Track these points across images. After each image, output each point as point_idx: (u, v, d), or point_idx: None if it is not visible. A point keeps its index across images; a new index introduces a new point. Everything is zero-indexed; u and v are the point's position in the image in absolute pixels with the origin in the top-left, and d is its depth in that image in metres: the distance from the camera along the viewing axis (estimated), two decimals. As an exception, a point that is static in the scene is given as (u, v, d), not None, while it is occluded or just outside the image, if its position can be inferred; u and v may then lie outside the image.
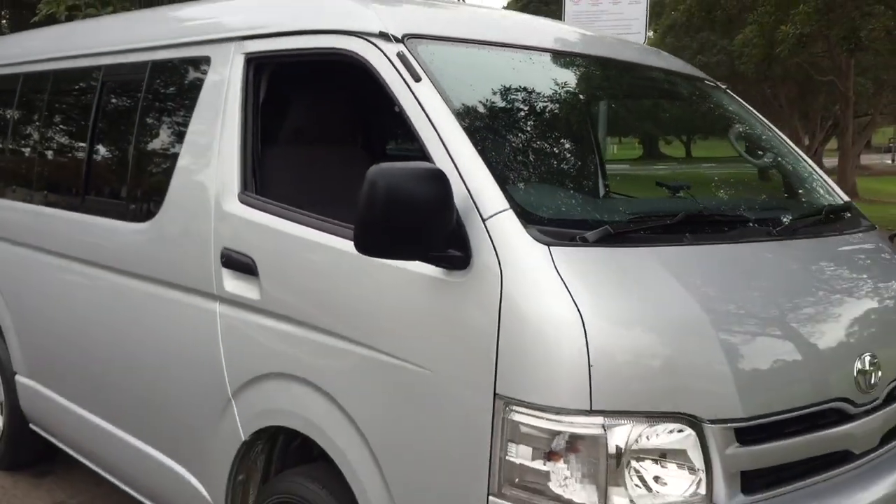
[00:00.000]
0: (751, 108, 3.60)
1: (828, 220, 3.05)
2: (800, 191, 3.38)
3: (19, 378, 4.38)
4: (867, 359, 2.47)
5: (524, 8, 34.69)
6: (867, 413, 2.48)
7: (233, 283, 2.90)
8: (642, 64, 3.42)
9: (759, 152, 3.53)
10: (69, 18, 8.53)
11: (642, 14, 6.76)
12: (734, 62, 30.14)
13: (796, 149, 3.50)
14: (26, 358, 4.31)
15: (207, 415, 3.04)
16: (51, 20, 9.16)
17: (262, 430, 2.86)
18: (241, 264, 2.85)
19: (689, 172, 4.26)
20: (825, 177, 3.41)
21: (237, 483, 3.01)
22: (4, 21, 10.14)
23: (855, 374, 2.42)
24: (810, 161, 3.48)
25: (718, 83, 3.66)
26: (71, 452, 4.13)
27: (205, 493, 3.11)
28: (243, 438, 2.89)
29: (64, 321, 3.94)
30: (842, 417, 2.41)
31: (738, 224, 2.66)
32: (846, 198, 3.33)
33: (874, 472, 2.48)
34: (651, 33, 41.72)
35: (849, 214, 3.20)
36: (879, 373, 2.50)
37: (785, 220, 2.79)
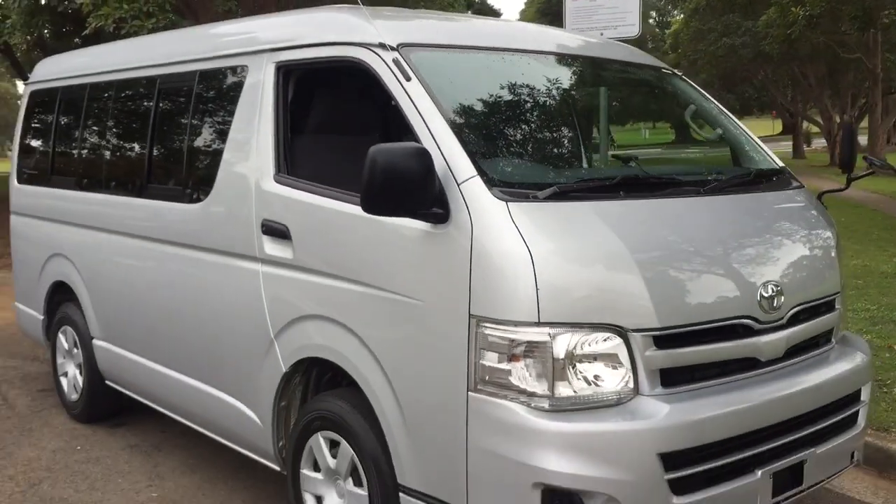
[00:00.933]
0: (703, 91, 4.24)
1: (758, 181, 3.70)
2: (742, 159, 4.02)
3: (96, 342, 5.17)
4: (771, 287, 3.12)
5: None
6: (771, 330, 3.13)
7: (271, 246, 3.63)
8: (606, 57, 4.09)
9: (710, 128, 4.16)
10: (116, 30, 9.38)
11: (636, 7, 7.34)
12: (759, 43, 30.41)
13: (741, 124, 4.13)
14: (101, 324, 5.10)
15: (255, 354, 3.77)
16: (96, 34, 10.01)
17: (299, 363, 3.59)
18: (277, 231, 3.59)
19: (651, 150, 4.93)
20: (765, 147, 4.05)
21: (280, 408, 3.74)
22: (46, 31, 10.94)
23: (759, 298, 3.08)
24: (752, 134, 4.11)
25: (674, 70, 4.31)
26: (141, 400, 4.92)
27: (255, 418, 3.85)
28: (284, 370, 3.62)
29: (132, 289, 4.71)
30: (749, 332, 3.07)
31: (670, 185, 3.33)
32: (781, 164, 3.96)
33: (776, 377, 3.14)
34: (679, 15, 41.87)
35: (780, 177, 3.84)
36: (782, 298, 3.16)
37: (713, 180, 3.45)
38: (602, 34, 7.32)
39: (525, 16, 57.90)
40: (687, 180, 3.42)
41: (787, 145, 47.62)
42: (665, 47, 43.66)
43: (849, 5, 15.16)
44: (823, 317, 3.43)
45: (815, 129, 45.89)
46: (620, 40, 7.49)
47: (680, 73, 4.33)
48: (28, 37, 10.47)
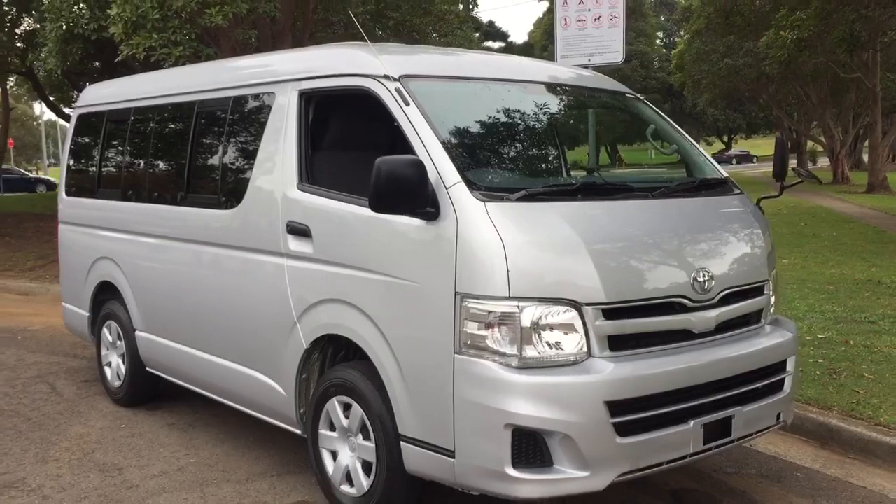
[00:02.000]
0: (661, 112, 4.97)
1: (702, 188, 4.43)
2: (693, 170, 4.74)
3: (138, 333, 5.91)
4: (703, 272, 3.84)
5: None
6: (703, 308, 3.84)
7: (294, 244, 4.36)
8: (578, 85, 4.83)
9: (667, 144, 4.88)
10: (146, 58, 10.19)
11: (620, 36, 8.11)
12: (760, 64, 31.15)
13: (693, 141, 4.86)
14: (143, 317, 5.83)
15: (280, 335, 4.50)
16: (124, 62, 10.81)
17: (317, 340, 4.30)
18: (300, 231, 4.32)
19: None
20: (712, 160, 4.76)
21: (302, 380, 4.46)
22: (76, 58, 11.70)
23: (692, 281, 3.79)
24: (702, 149, 4.83)
25: (637, 95, 5.04)
26: (179, 382, 5.65)
27: (281, 389, 4.57)
28: (305, 347, 4.34)
29: (172, 285, 5.45)
30: (683, 309, 3.78)
31: (623, 190, 4.05)
32: (725, 174, 4.67)
33: (707, 346, 3.84)
34: (685, 36, 42.68)
35: (723, 185, 4.55)
36: (713, 283, 3.87)
37: (662, 187, 4.18)
38: (589, 60, 8.11)
39: (533, 37, 58.96)
40: (638, 186, 4.15)
41: (792, 164, 48.26)
42: (671, 67, 44.42)
43: (836, 28, 15.85)
44: (751, 300, 4.13)
45: (819, 147, 46.46)
46: (606, 66, 8.29)
47: (643, 98, 5.06)
48: (63, 63, 11.26)
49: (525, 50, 52.65)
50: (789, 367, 4.26)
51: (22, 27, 16.01)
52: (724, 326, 3.97)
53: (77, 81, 19.83)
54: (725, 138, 77.55)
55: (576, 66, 7.89)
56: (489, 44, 51.14)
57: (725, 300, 3.96)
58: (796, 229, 17.66)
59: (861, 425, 5.18)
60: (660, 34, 66.85)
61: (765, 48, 24.88)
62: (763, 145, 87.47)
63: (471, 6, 18.32)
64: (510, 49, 50.83)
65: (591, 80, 4.99)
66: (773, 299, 4.38)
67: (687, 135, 4.93)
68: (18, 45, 17.63)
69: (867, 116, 36.78)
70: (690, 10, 31.43)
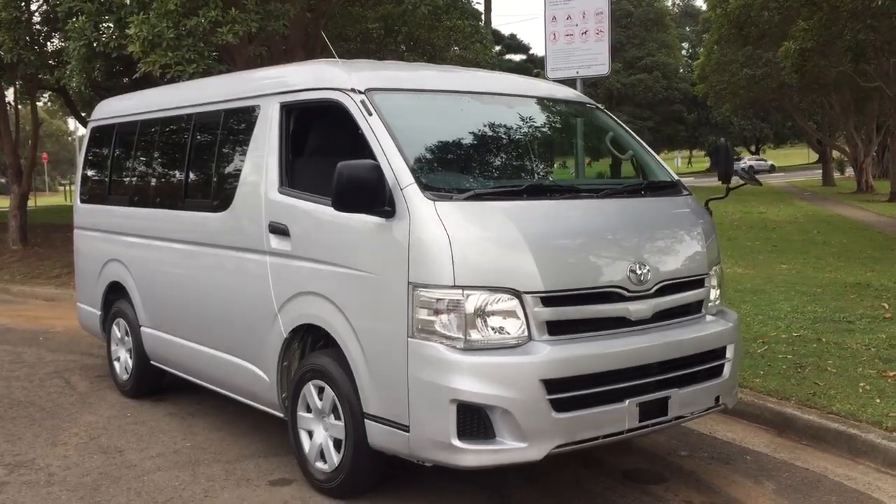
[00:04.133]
0: (618, 121, 5.35)
1: (649, 190, 4.79)
2: (647, 173, 5.11)
3: (143, 329, 6.38)
4: (639, 265, 4.20)
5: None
6: (639, 298, 4.20)
7: (276, 242, 4.79)
8: (537, 95, 5.23)
9: (624, 150, 5.26)
10: (162, 74, 10.74)
11: (605, 49, 8.45)
12: (780, 73, 31.26)
13: (648, 147, 5.22)
14: (147, 313, 6.30)
15: (263, 326, 4.92)
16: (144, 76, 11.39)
17: (296, 330, 4.72)
18: (280, 230, 4.75)
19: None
20: (665, 164, 5.13)
21: (283, 367, 4.87)
22: (97, 73, 12.25)
23: (628, 273, 4.15)
24: (656, 155, 5.20)
25: (597, 104, 5.42)
26: (179, 374, 6.10)
27: (264, 376, 4.98)
28: (285, 336, 4.76)
29: (172, 283, 5.92)
30: (620, 298, 4.14)
31: (569, 191, 4.44)
32: (675, 177, 5.03)
33: (643, 333, 4.20)
34: (701, 48, 42.88)
35: (671, 187, 4.91)
36: (649, 275, 4.23)
37: (608, 188, 4.56)
38: (577, 72, 8.50)
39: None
40: (585, 188, 4.53)
41: (820, 173, 48.09)
42: (693, 77, 44.55)
43: (841, 38, 16.04)
44: (689, 292, 4.48)
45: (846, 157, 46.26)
46: (593, 77, 8.67)
47: (602, 107, 5.44)
48: (86, 80, 11.83)
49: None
50: (728, 354, 4.59)
51: (51, 46, 16.70)
52: (662, 315, 4.32)
53: (105, 97, 20.49)
54: (753, 148, 77.31)
55: (562, 78, 8.30)
56: (510, 56, 51.62)
57: (662, 291, 4.32)
58: (808, 237, 17.84)
59: (814, 413, 5.48)
60: (685, 45, 66.91)
61: (782, 58, 25.06)
62: (791, 156, 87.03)
63: (477, 21, 18.75)
64: (531, 61, 51.20)
65: (553, 91, 5.39)
66: (716, 292, 4.73)
67: (643, 142, 5.29)
68: (50, 62, 18.38)
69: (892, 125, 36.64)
70: (709, 21, 31.61)
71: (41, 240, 18.24)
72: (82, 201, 7.42)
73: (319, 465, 4.58)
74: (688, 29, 66.95)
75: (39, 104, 26.14)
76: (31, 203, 20.97)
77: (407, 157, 4.12)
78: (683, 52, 66.26)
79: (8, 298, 12.75)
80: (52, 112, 60.88)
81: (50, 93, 27.08)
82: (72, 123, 67.28)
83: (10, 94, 20.93)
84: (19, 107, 23.81)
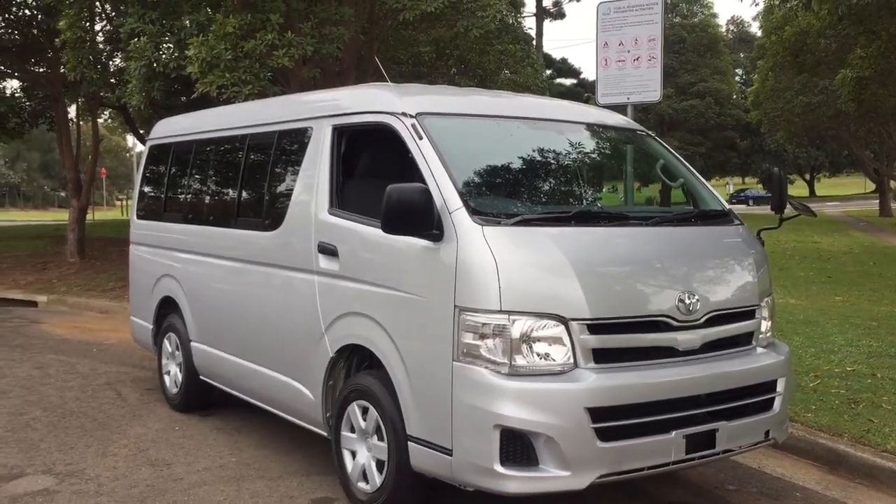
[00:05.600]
0: (669, 148, 5.31)
1: (701, 219, 4.75)
2: (698, 202, 5.06)
3: (193, 344, 6.49)
4: (688, 295, 4.15)
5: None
6: (688, 328, 4.15)
7: (324, 262, 4.85)
8: (587, 122, 5.22)
9: (674, 177, 5.22)
10: (219, 94, 10.98)
11: (657, 76, 8.43)
12: (836, 101, 30.70)
13: (699, 175, 5.18)
14: (198, 328, 6.41)
15: (310, 344, 4.97)
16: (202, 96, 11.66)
17: (342, 350, 4.76)
18: (329, 250, 4.81)
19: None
20: (716, 192, 5.08)
21: (328, 387, 4.91)
22: (156, 92, 12.56)
23: (677, 302, 4.11)
24: (707, 183, 5.15)
25: (647, 131, 5.39)
26: (226, 389, 6.18)
27: (310, 394, 5.03)
28: (330, 355, 4.80)
29: (222, 299, 6.02)
30: (668, 327, 4.10)
31: (618, 218, 4.42)
32: (727, 206, 4.97)
33: (691, 363, 4.14)
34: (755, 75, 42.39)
35: (723, 216, 4.86)
36: (698, 305, 4.18)
37: (658, 216, 4.52)
38: (628, 98, 8.47)
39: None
40: (634, 215, 4.50)
41: (877, 203, 47.05)
42: (747, 104, 44.01)
43: (901, 67, 15.77)
44: (739, 323, 4.41)
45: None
46: (644, 104, 8.64)
47: (653, 134, 5.41)
48: (146, 99, 12.15)
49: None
50: (779, 387, 4.50)
51: (113, 65, 17.20)
52: (711, 346, 4.26)
53: (163, 115, 20.99)
54: (807, 176, 75.92)
55: (613, 104, 8.28)
56: (561, 81, 51.59)
57: (711, 321, 4.26)
58: (863, 268, 17.43)
59: (868, 451, 5.33)
60: (738, 71, 66.19)
61: (840, 85, 24.64)
62: (847, 185, 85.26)
63: (528, 45, 18.82)
64: (582, 86, 51.13)
65: (602, 117, 5.38)
66: (767, 324, 4.65)
67: (694, 170, 5.25)
68: (112, 80, 18.92)
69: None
70: (764, 48, 31.25)
71: (98, 253, 18.70)
72: (138, 217, 7.61)
73: (362, 485, 4.60)
74: (742, 55, 66.21)
75: (100, 121, 26.86)
76: (89, 217, 21.51)
77: (456, 181, 4.15)
78: (737, 78, 65.54)
79: (64, 310, 13.07)
80: (112, 129, 62.54)
81: (110, 110, 27.87)
82: (130, 140, 68.99)
83: (72, 111, 21.59)
84: (81, 123, 24.52)
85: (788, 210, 4.95)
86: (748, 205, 56.24)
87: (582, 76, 54.74)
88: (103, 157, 59.27)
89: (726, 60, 52.23)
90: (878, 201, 45.79)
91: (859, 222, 37.36)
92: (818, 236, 25.83)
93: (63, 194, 65.01)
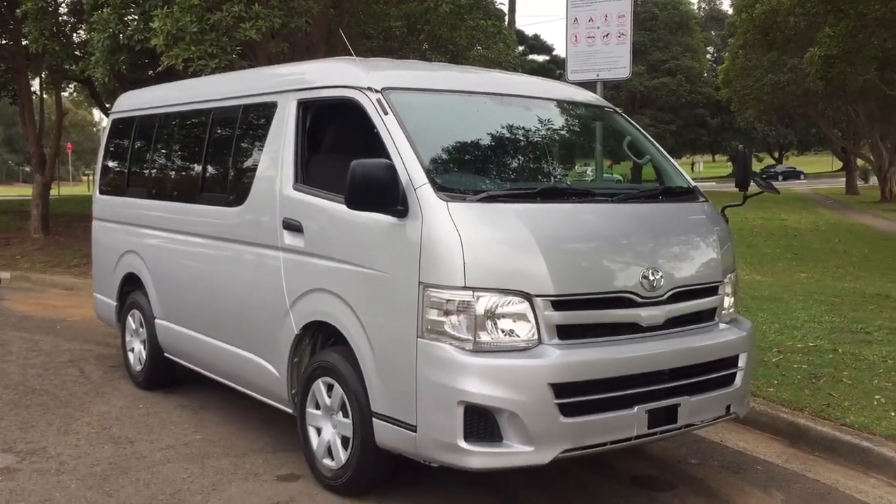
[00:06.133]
0: (636, 125, 5.31)
1: (666, 195, 4.76)
2: (664, 178, 5.07)
3: (157, 321, 6.42)
4: (651, 271, 4.17)
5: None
6: (651, 304, 4.17)
7: (289, 238, 4.80)
8: (554, 97, 5.20)
9: (641, 154, 5.22)
10: (185, 68, 10.80)
11: (627, 52, 8.41)
12: (805, 80, 30.95)
13: (665, 152, 5.18)
14: (161, 305, 6.34)
15: (275, 321, 4.93)
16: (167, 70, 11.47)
17: (307, 327, 4.73)
18: (293, 226, 4.76)
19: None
20: (681, 169, 5.09)
21: (294, 363, 4.88)
22: (121, 65, 12.35)
23: (641, 278, 4.13)
24: (672, 159, 5.16)
25: (615, 108, 5.39)
26: (191, 366, 6.13)
27: (275, 371, 5.00)
28: (296, 332, 4.77)
29: (186, 275, 5.95)
30: (631, 303, 4.12)
31: (584, 194, 4.41)
32: (692, 183, 4.99)
33: (655, 339, 4.17)
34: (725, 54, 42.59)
35: (688, 193, 4.87)
36: (662, 281, 4.19)
37: (623, 192, 4.52)
38: (598, 75, 8.46)
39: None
40: (600, 192, 4.50)
41: (844, 181, 47.69)
42: (717, 82, 44.25)
43: (867, 46, 15.87)
44: (702, 299, 4.44)
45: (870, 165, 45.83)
46: (614, 81, 8.64)
47: (621, 111, 5.41)
48: (110, 72, 11.92)
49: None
50: (741, 363, 4.54)
51: (77, 37, 16.84)
52: (674, 322, 4.29)
53: (129, 89, 20.62)
54: (776, 154, 76.66)
55: (583, 80, 8.26)
56: (533, 57, 51.46)
57: (675, 298, 4.28)
58: (829, 245, 17.70)
59: (828, 425, 5.42)
60: (710, 49, 66.40)
61: (808, 64, 24.83)
62: (814, 163, 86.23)
63: (500, 21, 18.71)
64: (555, 62, 51.05)
65: (571, 94, 5.36)
66: (730, 300, 4.69)
67: (660, 147, 5.25)
68: (75, 53, 18.55)
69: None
70: (735, 25, 31.37)
71: (62, 229, 18.42)
72: (101, 192, 7.48)
73: (327, 461, 4.59)
74: (713, 33, 66.42)
75: (65, 94, 26.38)
76: (54, 192, 21.17)
77: (421, 156, 4.11)
78: (708, 56, 65.77)
79: (27, 286, 12.88)
80: (78, 102, 61.48)
81: (76, 83, 27.35)
82: (97, 114, 68.02)
83: (35, 84, 21.15)
84: (45, 96, 24.05)
85: (752, 187, 4.98)
86: (778, 180, 57.23)
87: (554, 52, 54.72)
88: (69, 131, 58.28)
89: (698, 38, 52.35)
90: (844, 179, 46.42)
91: (826, 200, 37.89)
92: (785, 213, 26.17)
93: (27, 169, 63.88)
